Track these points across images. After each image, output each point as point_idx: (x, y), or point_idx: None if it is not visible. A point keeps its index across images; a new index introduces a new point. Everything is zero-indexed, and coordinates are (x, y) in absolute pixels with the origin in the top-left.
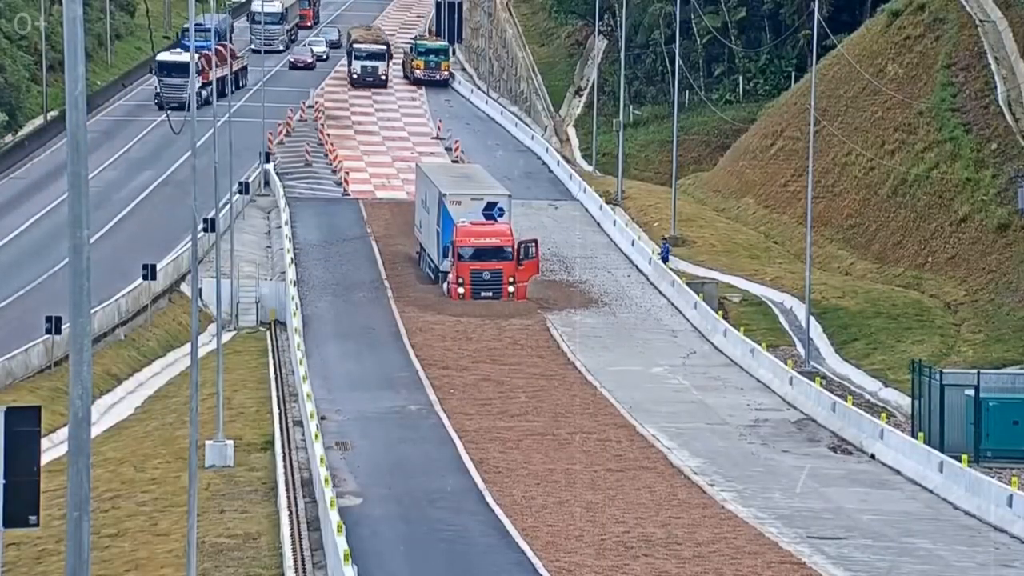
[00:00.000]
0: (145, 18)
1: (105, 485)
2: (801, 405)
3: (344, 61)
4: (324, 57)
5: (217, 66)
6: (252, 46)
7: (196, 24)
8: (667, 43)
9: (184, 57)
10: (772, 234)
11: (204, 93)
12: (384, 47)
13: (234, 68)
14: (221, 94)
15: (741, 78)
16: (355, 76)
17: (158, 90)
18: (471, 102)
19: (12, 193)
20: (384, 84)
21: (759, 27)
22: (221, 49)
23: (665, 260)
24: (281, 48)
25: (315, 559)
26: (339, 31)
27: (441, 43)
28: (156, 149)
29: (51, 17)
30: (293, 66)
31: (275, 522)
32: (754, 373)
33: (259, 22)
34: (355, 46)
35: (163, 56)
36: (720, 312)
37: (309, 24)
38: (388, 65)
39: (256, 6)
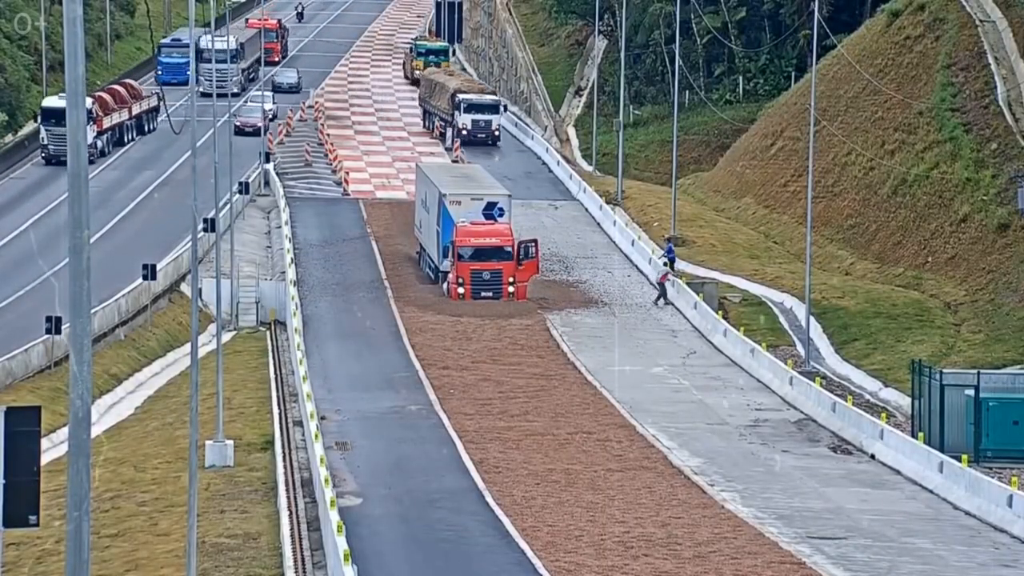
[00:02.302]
0: (145, 18)
1: (105, 485)
2: (801, 405)
3: (344, 63)
4: (273, 116)
5: (115, 109)
6: (200, 88)
7: (173, 39)
8: (667, 43)
9: None
10: (772, 234)
11: (99, 144)
12: (498, 100)
13: (136, 111)
14: (119, 143)
15: (741, 78)
16: (465, 131)
17: (44, 141)
18: None
19: (12, 193)
20: (496, 141)
21: (759, 27)
22: (120, 89)
23: (672, 262)
24: (236, 90)
25: (315, 559)
26: (298, 72)
27: (441, 43)
28: (156, 149)
29: (51, 17)
30: (239, 131)
31: (275, 522)
32: (754, 373)
33: (208, 60)
34: (461, 96)
35: (49, 102)
36: (720, 312)
37: (276, 59)
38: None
39: (204, 42)
